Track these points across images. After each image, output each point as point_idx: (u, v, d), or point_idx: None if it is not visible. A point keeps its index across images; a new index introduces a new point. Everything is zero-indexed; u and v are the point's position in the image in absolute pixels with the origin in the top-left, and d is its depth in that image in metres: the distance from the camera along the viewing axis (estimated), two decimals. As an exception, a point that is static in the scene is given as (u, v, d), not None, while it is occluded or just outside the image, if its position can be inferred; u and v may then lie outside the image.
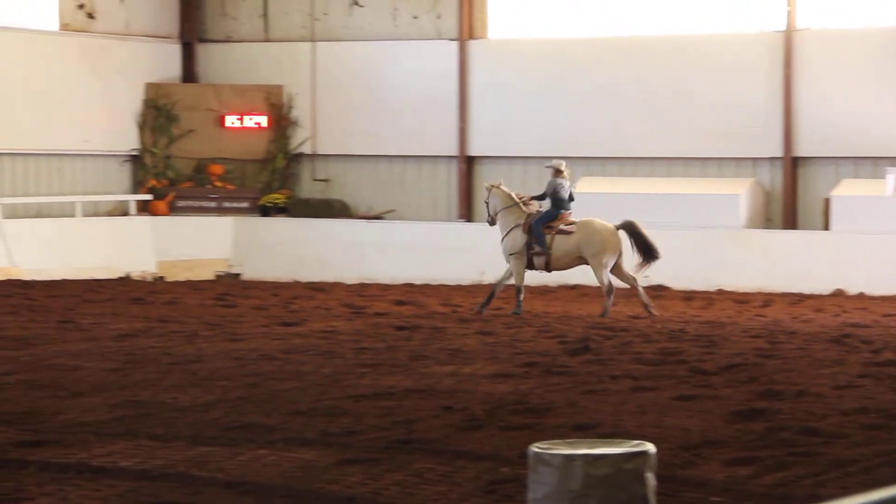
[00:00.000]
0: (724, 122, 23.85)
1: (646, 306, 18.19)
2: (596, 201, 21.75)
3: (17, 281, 22.28)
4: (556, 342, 15.20)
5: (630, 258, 18.28)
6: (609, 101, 24.64)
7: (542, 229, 18.28)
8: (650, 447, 6.32)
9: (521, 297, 18.32)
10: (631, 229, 18.21)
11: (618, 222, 18.26)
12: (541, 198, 18.62)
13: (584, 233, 18.22)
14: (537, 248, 18.27)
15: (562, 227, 18.30)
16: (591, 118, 24.72)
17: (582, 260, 18.32)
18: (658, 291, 21.47)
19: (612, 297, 18.16)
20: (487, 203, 18.78)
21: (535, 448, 6.28)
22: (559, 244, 18.25)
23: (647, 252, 18.06)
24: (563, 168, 18.48)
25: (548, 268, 18.44)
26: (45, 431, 9.86)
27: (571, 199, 18.52)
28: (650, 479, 6.28)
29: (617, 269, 18.30)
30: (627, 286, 18.60)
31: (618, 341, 15.30)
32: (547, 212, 18.41)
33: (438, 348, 14.63)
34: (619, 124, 24.56)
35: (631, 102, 24.48)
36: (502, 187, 18.82)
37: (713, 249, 22.77)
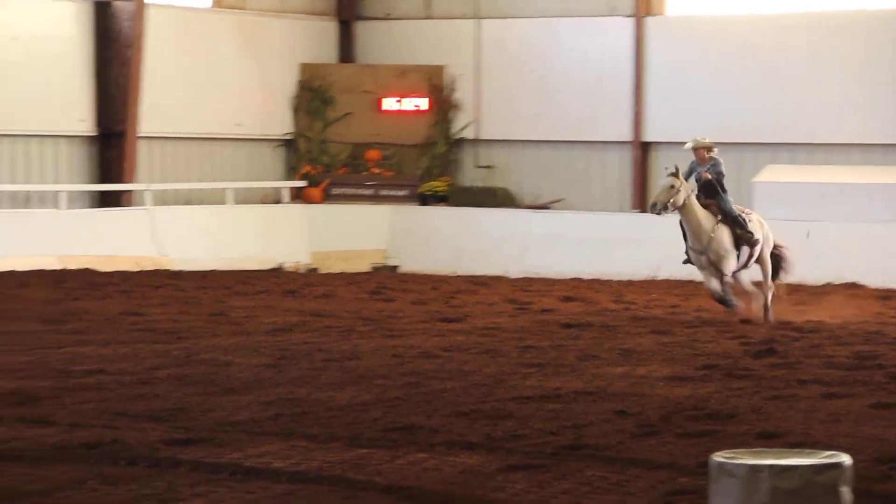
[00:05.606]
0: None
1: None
2: (783, 192, 21.41)
3: (166, 271, 22.78)
4: (738, 343, 15.04)
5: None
6: (799, 82, 24.23)
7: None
8: (845, 458, 6.21)
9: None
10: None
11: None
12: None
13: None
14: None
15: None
16: (778, 101, 24.35)
17: None
18: (851, 290, 21.07)
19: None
20: (675, 189, 16.72)
21: (718, 457, 6.23)
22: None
23: None
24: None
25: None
26: (197, 429, 10.01)
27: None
28: (845, 493, 6.16)
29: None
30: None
31: (806, 343, 15.08)
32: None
33: (609, 348, 14.58)
34: (811, 107, 24.14)
35: (825, 83, 24.04)
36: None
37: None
